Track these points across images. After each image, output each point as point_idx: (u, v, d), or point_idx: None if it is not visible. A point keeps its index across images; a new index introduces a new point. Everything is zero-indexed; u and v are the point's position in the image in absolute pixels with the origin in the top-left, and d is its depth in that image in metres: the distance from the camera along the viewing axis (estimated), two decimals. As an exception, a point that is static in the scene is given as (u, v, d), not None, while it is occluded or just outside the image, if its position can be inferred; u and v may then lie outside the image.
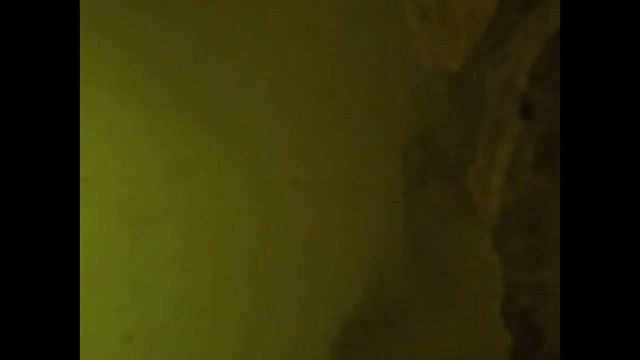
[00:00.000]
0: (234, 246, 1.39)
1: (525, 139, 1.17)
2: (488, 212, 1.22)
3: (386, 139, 1.42)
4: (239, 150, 1.43)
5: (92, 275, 1.33)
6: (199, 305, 1.37)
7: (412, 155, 1.38)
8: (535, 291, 1.18)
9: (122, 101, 1.41)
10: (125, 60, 1.42)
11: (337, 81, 1.44)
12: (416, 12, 1.34)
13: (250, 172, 1.42)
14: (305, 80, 1.44)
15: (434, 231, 1.36)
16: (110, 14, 1.41)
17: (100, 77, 1.40)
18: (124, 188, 1.40)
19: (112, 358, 1.34)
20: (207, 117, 1.43)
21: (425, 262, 1.36)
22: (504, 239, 1.20)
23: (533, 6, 1.17)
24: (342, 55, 1.44)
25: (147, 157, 1.41)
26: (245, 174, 1.42)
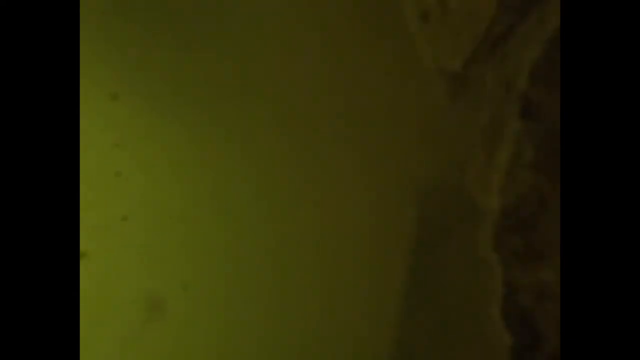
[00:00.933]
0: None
1: (525, 139, 1.17)
2: (488, 212, 1.22)
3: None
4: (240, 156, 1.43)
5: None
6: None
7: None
8: (535, 291, 1.18)
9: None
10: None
11: (336, 79, 1.44)
12: (416, 12, 1.34)
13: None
14: (305, 80, 1.44)
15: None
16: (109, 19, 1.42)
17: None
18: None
19: None
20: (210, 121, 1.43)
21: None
22: (504, 239, 1.20)
23: (533, 6, 1.17)
24: (342, 55, 1.44)
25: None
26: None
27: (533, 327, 1.18)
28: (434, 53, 1.34)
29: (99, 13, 1.42)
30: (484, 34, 1.24)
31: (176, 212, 1.41)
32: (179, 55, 1.44)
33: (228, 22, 1.46)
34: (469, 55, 1.28)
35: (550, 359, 1.17)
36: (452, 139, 1.35)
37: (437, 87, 1.35)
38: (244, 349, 1.37)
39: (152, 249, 1.40)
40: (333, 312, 1.39)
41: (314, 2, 1.45)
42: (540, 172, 1.16)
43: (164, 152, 1.42)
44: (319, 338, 1.38)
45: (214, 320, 1.38)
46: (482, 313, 1.25)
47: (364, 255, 1.41)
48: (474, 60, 1.28)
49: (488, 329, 1.24)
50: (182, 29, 1.44)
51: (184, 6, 1.45)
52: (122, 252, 1.39)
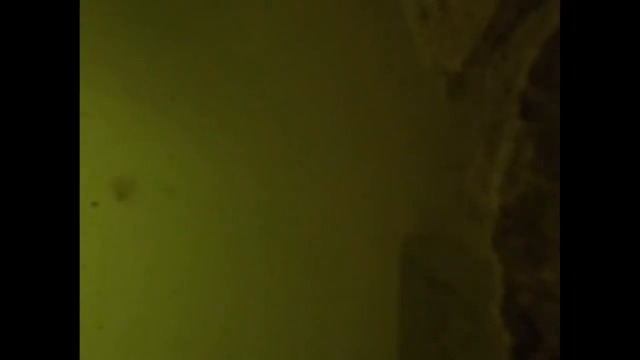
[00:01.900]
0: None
1: (525, 139, 1.17)
2: (488, 212, 1.22)
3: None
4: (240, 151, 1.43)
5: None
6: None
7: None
8: (535, 291, 1.18)
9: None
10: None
11: (336, 79, 1.44)
12: (416, 12, 1.34)
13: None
14: (304, 81, 1.44)
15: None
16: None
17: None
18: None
19: None
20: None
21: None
22: (504, 239, 1.20)
23: (533, 6, 1.17)
24: (342, 55, 1.44)
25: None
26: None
27: (533, 327, 1.18)
28: (433, 53, 1.34)
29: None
30: (484, 34, 1.24)
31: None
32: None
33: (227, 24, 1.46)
34: (469, 55, 1.28)
35: (550, 359, 1.17)
36: (452, 139, 1.35)
37: (437, 87, 1.35)
38: (240, 353, 1.38)
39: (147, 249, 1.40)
40: (331, 311, 1.39)
41: (314, 3, 1.45)
42: (540, 172, 1.16)
43: (165, 152, 1.42)
44: (318, 338, 1.38)
45: (210, 322, 1.38)
46: (482, 313, 1.25)
47: (363, 254, 1.41)
48: (474, 60, 1.28)
49: (488, 329, 1.24)
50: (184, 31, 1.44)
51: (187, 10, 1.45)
52: (119, 255, 1.39)
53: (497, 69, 1.24)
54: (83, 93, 1.32)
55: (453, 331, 1.32)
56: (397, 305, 1.39)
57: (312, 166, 1.43)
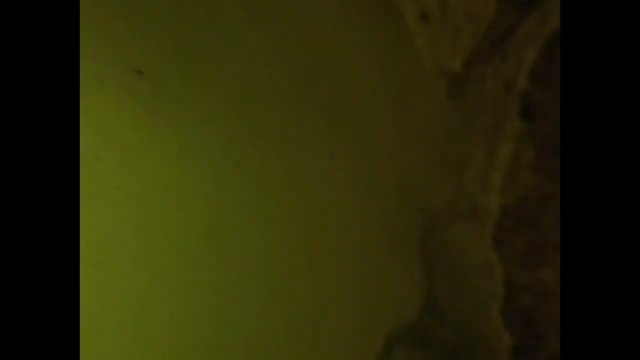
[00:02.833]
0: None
1: (525, 139, 1.17)
2: (488, 212, 1.22)
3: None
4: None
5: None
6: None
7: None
8: (535, 291, 1.18)
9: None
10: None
11: (336, 80, 1.44)
12: (416, 12, 1.34)
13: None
14: (305, 81, 1.44)
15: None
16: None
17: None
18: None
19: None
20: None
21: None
22: (504, 239, 1.20)
23: (533, 6, 1.17)
24: (342, 56, 1.44)
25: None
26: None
27: (533, 327, 1.18)
28: (434, 53, 1.34)
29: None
30: (484, 34, 1.24)
31: (167, 220, 1.41)
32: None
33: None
34: (469, 56, 1.28)
35: (550, 359, 1.17)
36: (452, 139, 1.35)
37: (437, 87, 1.35)
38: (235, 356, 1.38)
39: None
40: (325, 317, 1.39)
41: (313, 3, 1.45)
42: (540, 172, 1.16)
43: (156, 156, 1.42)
44: (311, 343, 1.38)
45: (204, 327, 1.38)
46: (482, 313, 1.25)
47: (363, 256, 1.41)
48: (474, 60, 1.28)
49: (488, 329, 1.24)
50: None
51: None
52: (116, 255, 1.39)
53: (497, 69, 1.24)
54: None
55: (453, 331, 1.32)
56: (394, 309, 1.39)
57: (309, 167, 1.43)
